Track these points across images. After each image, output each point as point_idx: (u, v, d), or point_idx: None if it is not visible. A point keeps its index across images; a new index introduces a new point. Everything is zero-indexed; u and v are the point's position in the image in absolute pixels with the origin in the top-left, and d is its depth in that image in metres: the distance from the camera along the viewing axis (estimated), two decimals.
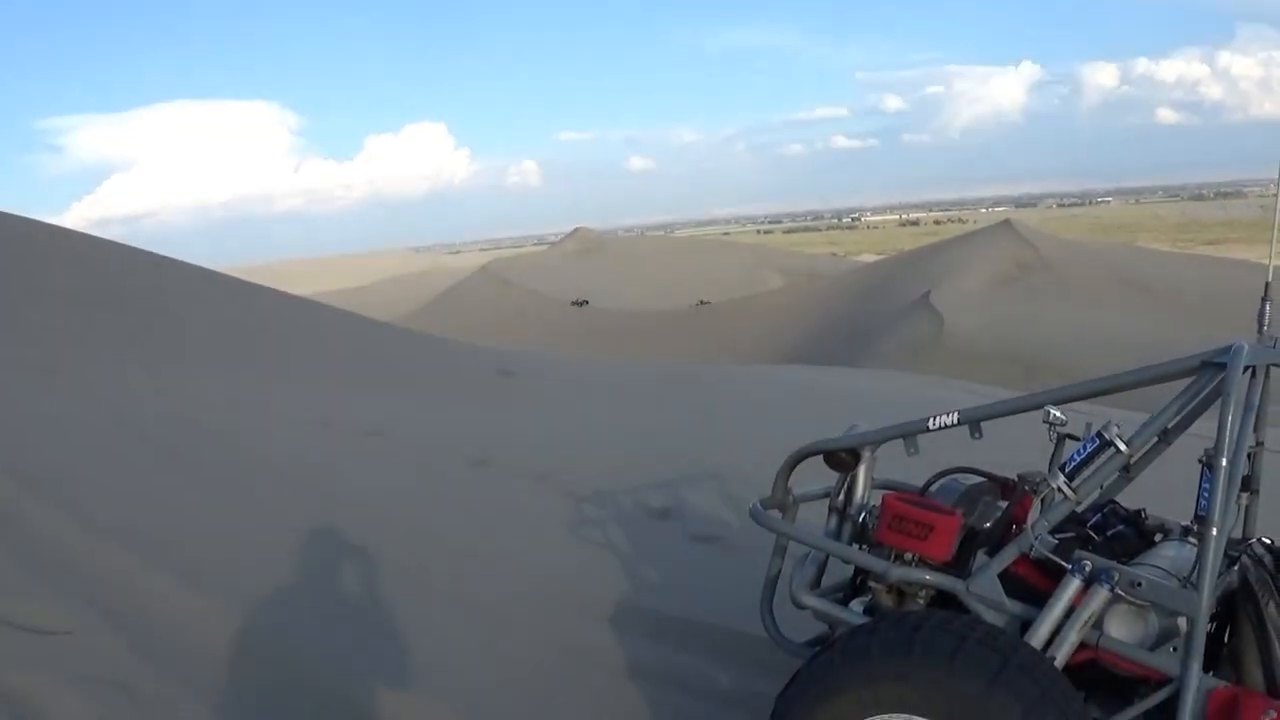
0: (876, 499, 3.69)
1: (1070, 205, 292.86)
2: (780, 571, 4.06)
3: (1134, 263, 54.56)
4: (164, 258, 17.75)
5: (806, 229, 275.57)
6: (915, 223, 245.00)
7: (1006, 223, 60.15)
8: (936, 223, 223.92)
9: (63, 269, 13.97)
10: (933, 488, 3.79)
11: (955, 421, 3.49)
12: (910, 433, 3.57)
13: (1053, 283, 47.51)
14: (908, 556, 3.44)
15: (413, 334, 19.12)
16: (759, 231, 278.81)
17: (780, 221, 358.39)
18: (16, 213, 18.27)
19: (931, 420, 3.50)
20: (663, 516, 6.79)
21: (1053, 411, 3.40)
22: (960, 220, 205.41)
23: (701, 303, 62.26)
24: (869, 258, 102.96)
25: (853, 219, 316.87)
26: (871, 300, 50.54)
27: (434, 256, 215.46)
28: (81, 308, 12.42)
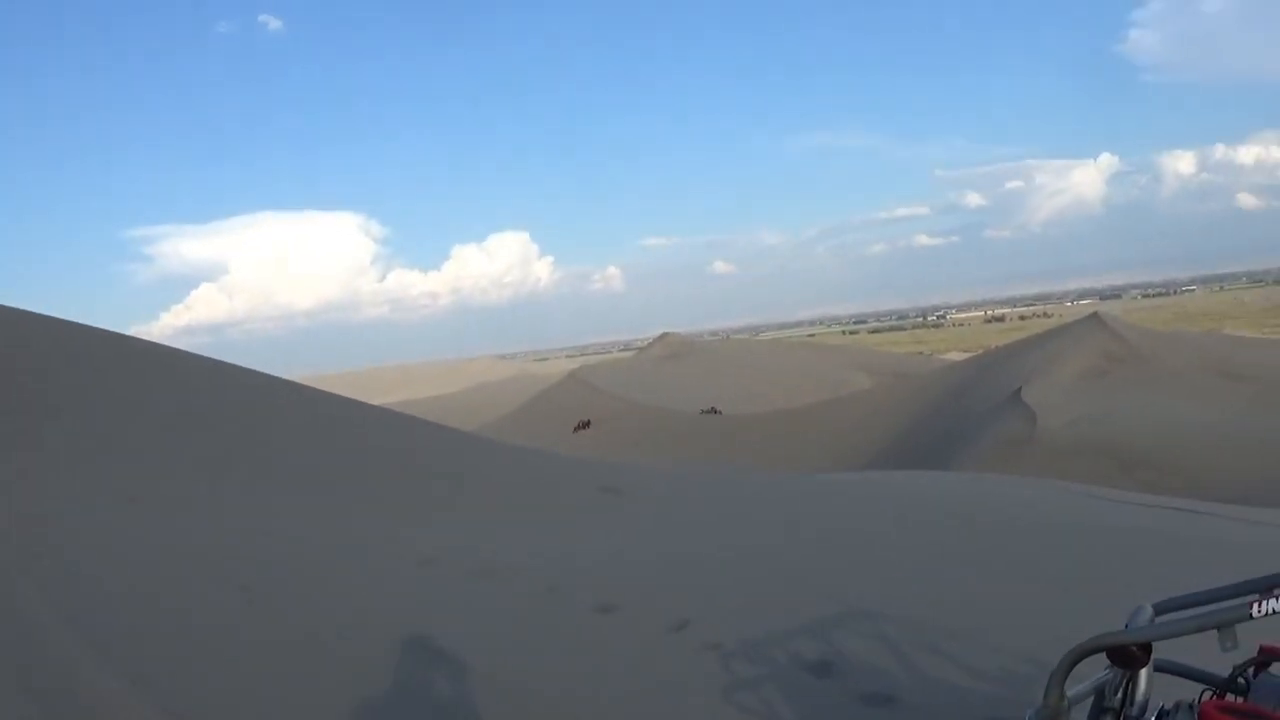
0: (1161, 697, 2.88)
1: (1155, 295, 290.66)
2: None
3: (1223, 350, 53.51)
4: (258, 373, 17.38)
5: (892, 328, 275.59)
6: (1001, 319, 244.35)
7: (1095, 315, 59.13)
8: (1022, 318, 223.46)
9: (157, 389, 13.52)
10: (1249, 681, 2.91)
11: None
12: (1228, 621, 2.49)
13: (1143, 374, 46.61)
14: None
15: (509, 448, 18.50)
16: (844, 332, 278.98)
17: (865, 321, 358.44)
18: (108, 322, 18.16)
19: (1257, 605, 2.43)
20: (822, 672, 5.89)
21: None
22: (1045, 315, 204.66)
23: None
24: (956, 355, 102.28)
25: (938, 317, 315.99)
26: (961, 399, 49.68)
27: (520, 364, 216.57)
28: (172, 430, 11.92)
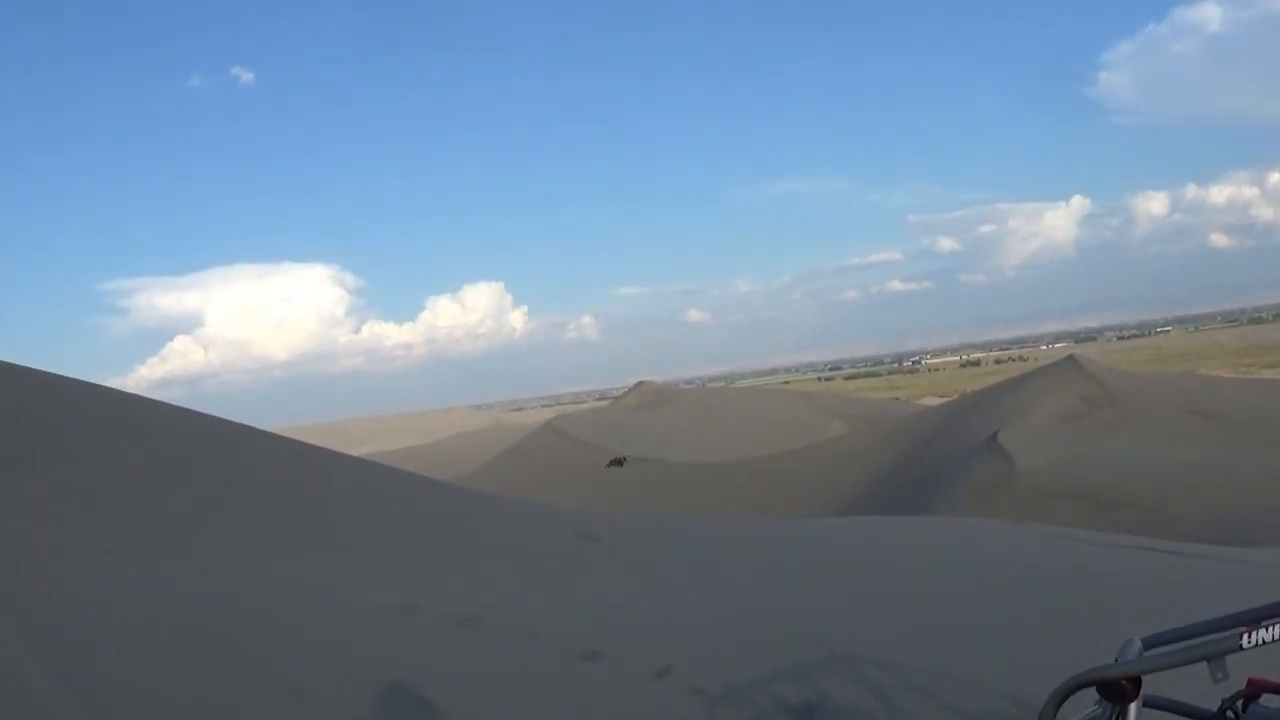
0: None
1: (1130, 337, 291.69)
2: None
3: (1198, 391, 53.72)
4: (234, 424, 17.27)
5: (867, 374, 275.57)
6: (976, 363, 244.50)
7: (1071, 358, 59.35)
8: (998, 362, 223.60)
9: (135, 440, 13.41)
10: (1238, 714, 2.90)
11: None
12: (1218, 653, 2.48)
13: (1119, 416, 46.69)
14: None
15: (487, 497, 18.47)
16: (819, 379, 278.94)
17: (840, 368, 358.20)
18: (84, 375, 17.95)
19: (1246, 636, 2.43)
20: (806, 716, 5.86)
21: None
22: (1021, 359, 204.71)
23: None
24: (932, 401, 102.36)
25: (914, 362, 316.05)
26: (938, 444, 49.66)
27: (496, 414, 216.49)
28: (150, 481, 11.80)
